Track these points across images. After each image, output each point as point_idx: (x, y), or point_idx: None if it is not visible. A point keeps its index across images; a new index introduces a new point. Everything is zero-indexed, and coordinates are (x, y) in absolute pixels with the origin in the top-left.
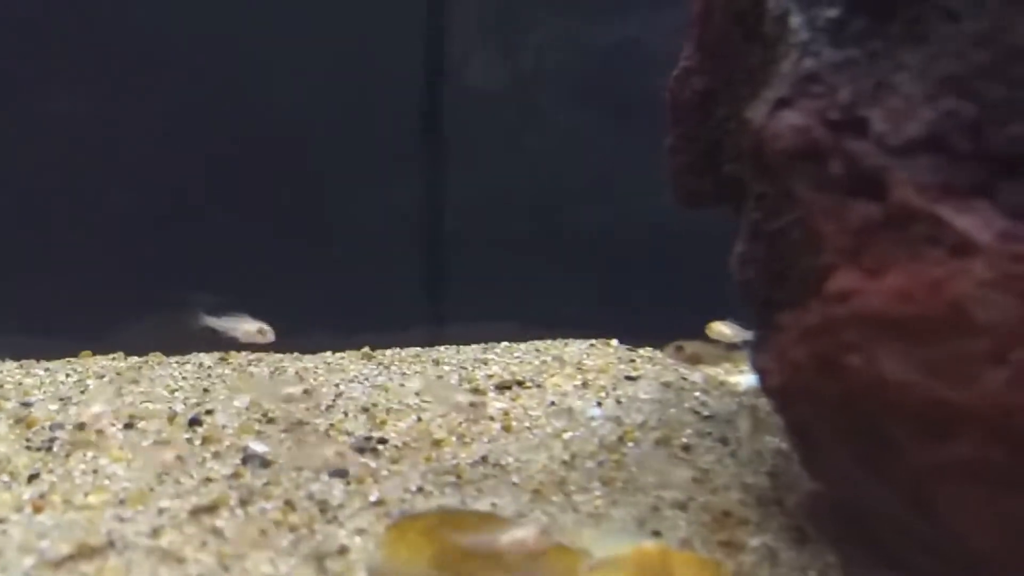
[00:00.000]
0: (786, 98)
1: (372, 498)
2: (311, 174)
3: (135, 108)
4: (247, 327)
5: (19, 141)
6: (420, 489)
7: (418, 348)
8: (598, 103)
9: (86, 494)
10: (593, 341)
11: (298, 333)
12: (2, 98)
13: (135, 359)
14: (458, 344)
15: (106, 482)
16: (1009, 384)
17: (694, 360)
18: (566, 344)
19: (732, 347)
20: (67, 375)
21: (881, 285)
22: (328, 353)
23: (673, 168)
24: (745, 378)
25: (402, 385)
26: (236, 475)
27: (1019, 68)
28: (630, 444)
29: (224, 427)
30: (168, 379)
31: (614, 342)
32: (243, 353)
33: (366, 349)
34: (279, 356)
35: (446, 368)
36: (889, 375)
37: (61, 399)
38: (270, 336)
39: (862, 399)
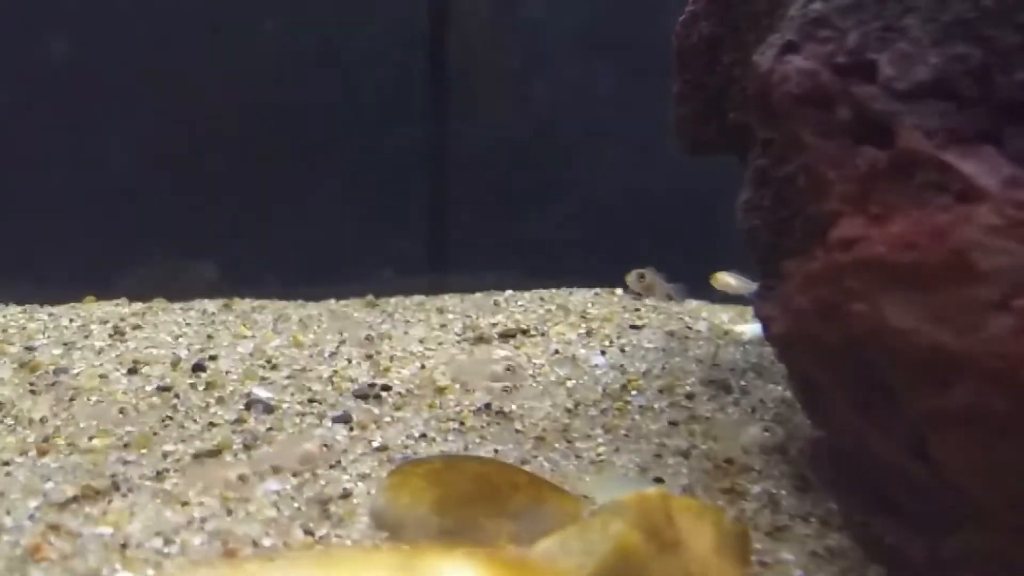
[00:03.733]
0: (793, 42)
1: (375, 444)
2: (315, 125)
3: (136, 52)
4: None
5: (21, 87)
6: (423, 435)
7: (422, 296)
8: (604, 50)
9: (90, 438)
10: (598, 290)
11: (302, 280)
12: (4, 43)
13: (139, 305)
14: (462, 293)
15: (110, 426)
16: (1012, 332)
17: (648, 290)
18: (571, 293)
19: (739, 298)
20: (71, 320)
21: (885, 232)
22: (332, 300)
23: (679, 115)
24: (749, 327)
25: (406, 333)
26: (240, 420)
27: None
28: (634, 392)
29: (228, 373)
30: (172, 325)
31: (619, 291)
32: (246, 300)
33: (370, 297)
34: (283, 303)
35: (450, 316)
36: (892, 322)
37: (65, 344)
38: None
39: (864, 346)
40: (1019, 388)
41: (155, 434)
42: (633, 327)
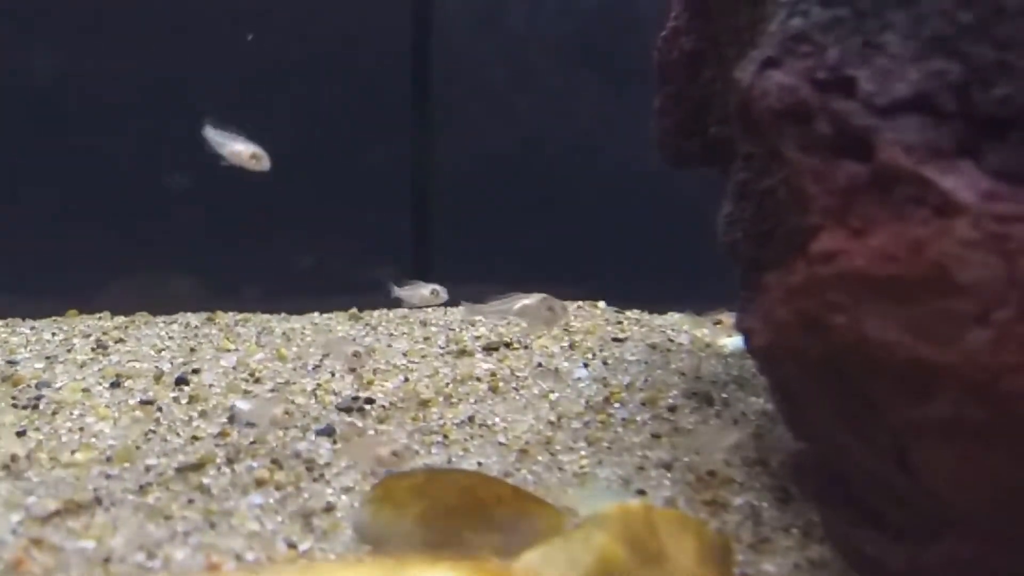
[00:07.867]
0: (773, 57)
1: None
2: (299, 138)
3: (120, 62)
4: (422, 292)
5: (3, 101)
6: (407, 448)
7: (405, 309)
8: (586, 64)
9: (73, 451)
10: (580, 303)
11: (286, 293)
12: None
13: (121, 318)
14: (445, 306)
15: (93, 440)
16: (991, 344)
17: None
18: None
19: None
20: (53, 334)
21: (865, 245)
22: (315, 314)
23: (661, 129)
24: (731, 339)
25: (389, 346)
26: (223, 434)
27: (1005, 28)
28: (616, 405)
29: (211, 386)
30: (155, 338)
31: (601, 304)
32: (230, 313)
33: (353, 310)
34: (266, 316)
35: (433, 329)
36: (872, 334)
37: (47, 358)
38: (442, 296)
39: (846, 358)
40: (998, 399)
41: (138, 448)
42: (615, 340)
